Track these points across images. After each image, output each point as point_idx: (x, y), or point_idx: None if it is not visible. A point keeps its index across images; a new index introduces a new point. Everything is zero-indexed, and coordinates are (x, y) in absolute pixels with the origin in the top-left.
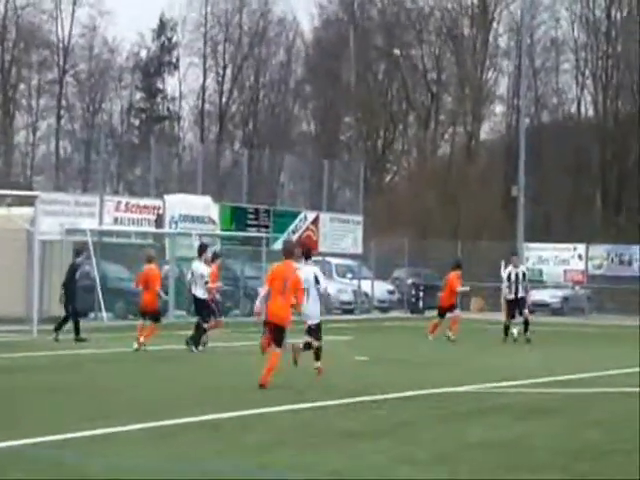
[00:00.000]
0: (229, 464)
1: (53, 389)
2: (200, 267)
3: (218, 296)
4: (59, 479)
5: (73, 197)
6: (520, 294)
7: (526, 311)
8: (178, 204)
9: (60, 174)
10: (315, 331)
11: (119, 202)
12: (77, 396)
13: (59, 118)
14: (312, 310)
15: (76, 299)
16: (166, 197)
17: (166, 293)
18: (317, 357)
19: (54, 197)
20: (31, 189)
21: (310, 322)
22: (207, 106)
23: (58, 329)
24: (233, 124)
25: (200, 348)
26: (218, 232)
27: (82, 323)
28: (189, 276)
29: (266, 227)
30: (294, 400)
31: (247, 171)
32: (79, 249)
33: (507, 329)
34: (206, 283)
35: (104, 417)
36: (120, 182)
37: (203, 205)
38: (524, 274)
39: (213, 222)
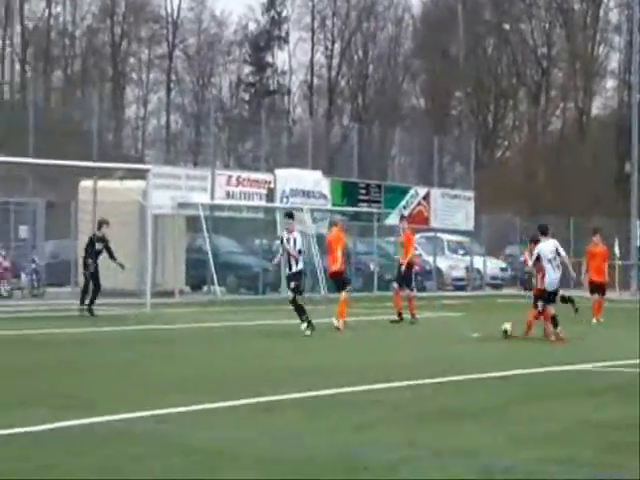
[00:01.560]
0: (331, 441)
1: (160, 362)
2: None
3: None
4: (164, 451)
5: (184, 171)
6: None
7: None
8: (289, 178)
9: (171, 148)
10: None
11: (230, 176)
12: (182, 369)
13: (169, 92)
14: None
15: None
16: (277, 171)
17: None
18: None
19: (166, 171)
20: (142, 162)
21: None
22: (316, 80)
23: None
24: (342, 98)
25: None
26: (329, 207)
27: (196, 296)
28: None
29: (377, 202)
30: (399, 378)
31: (357, 146)
32: (101, 221)
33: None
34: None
35: (215, 392)
36: (230, 156)
37: (314, 180)
38: None
39: (324, 197)
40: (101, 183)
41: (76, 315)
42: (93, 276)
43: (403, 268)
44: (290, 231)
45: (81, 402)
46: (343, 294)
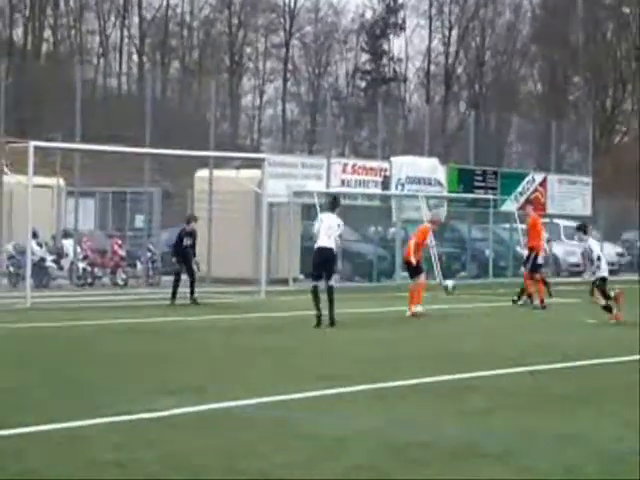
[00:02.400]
0: (456, 427)
1: (278, 350)
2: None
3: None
4: (289, 437)
5: (300, 159)
6: None
7: None
8: (405, 166)
9: (287, 137)
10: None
11: (346, 164)
12: (299, 357)
13: (285, 81)
14: None
15: (185, 261)
16: (393, 159)
17: (393, 255)
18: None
19: (281, 159)
20: (258, 151)
21: None
22: (433, 67)
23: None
24: (459, 85)
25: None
26: (445, 194)
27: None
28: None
29: (493, 189)
30: (514, 364)
31: (474, 132)
32: (190, 216)
33: None
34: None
35: (336, 378)
36: (346, 144)
37: (430, 167)
38: None
39: (440, 184)
40: (217, 172)
41: (190, 303)
42: (187, 269)
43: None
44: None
45: (202, 388)
46: (412, 282)
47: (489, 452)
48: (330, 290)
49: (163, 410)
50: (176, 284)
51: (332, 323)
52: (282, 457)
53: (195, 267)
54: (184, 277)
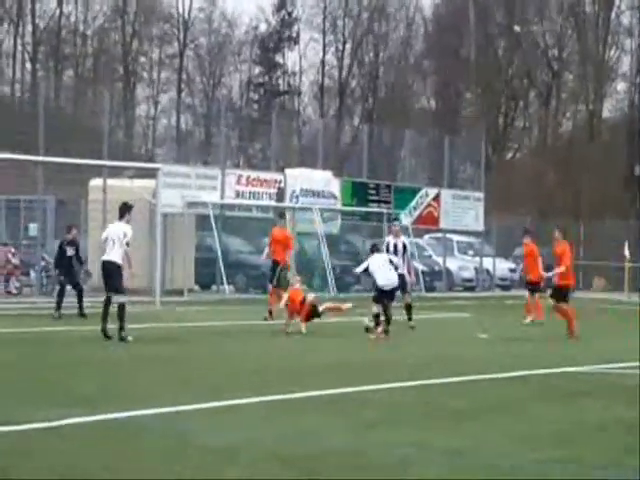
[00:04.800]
0: (346, 440)
1: (171, 360)
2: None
3: None
4: (178, 449)
5: (194, 170)
6: None
7: None
8: (299, 178)
9: (181, 147)
10: None
11: (240, 175)
12: (200, 368)
13: (180, 91)
14: None
15: (68, 273)
16: (287, 171)
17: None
18: None
19: (175, 170)
20: (152, 161)
21: None
22: (327, 81)
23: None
24: (353, 99)
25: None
26: (339, 207)
27: (205, 295)
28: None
29: (387, 203)
30: (406, 378)
31: (367, 146)
32: (69, 225)
33: None
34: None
35: (228, 390)
36: (240, 156)
37: (324, 180)
38: None
39: (334, 197)
40: (111, 181)
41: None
42: (70, 281)
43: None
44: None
45: (88, 399)
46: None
47: (380, 464)
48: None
49: (52, 421)
50: (60, 295)
51: (120, 338)
52: (171, 468)
53: (84, 276)
54: (69, 287)
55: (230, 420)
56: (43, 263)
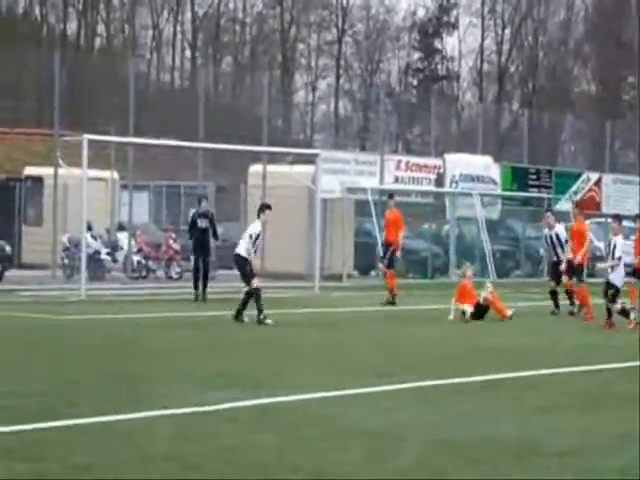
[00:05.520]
0: (512, 425)
1: (332, 345)
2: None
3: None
4: (344, 434)
5: (353, 156)
6: None
7: None
8: (459, 163)
9: (339, 133)
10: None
11: (399, 161)
12: (359, 353)
13: (338, 78)
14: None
15: (200, 247)
16: (446, 156)
17: (447, 252)
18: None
19: (335, 155)
20: (311, 147)
21: None
22: (486, 66)
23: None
24: (512, 84)
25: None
26: (499, 192)
27: (364, 280)
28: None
29: (548, 188)
30: (576, 362)
31: (527, 131)
32: (200, 196)
33: None
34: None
35: (388, 374)
36: (399, 141)
37: (484, 165)
38: None
39: (494, 182)
40: (270, 168)
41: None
42: (203, 256)
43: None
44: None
45: (252, 382)
46: None
47: (548, 451)
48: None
49: (217, 404)
50: (196, 274)
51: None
52: (338, 454)
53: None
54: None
55: (392, 405)
56: None
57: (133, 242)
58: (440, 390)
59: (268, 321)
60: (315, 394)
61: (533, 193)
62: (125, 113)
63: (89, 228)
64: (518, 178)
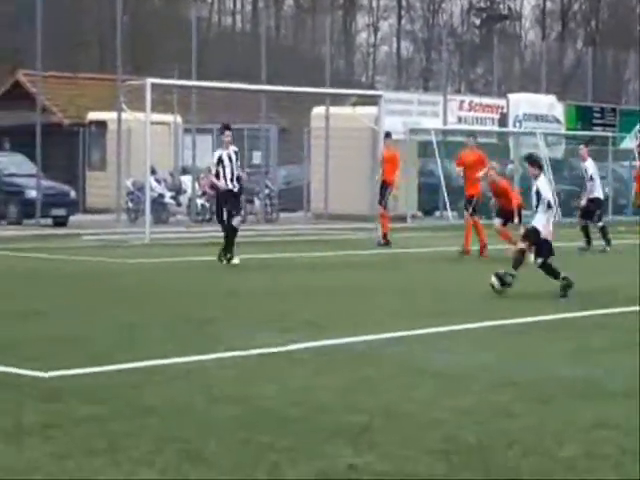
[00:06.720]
0: (572, 365)
1: (393, 286)
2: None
3: None
4: (412, 375)
5: (416, 96)
6: None
7: None
8: (522, 103)
9: (402, 74)
10: None
11: (462, 101)
12: (415, 293)
13: (400, 18)
14: None
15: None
16: (510, 96)
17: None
18: None
19: (397, 96)
20: (373, 89)
21: None
22: (549, 4)
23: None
24: (575, 22)
25: None
26: (563, 131)
27: (428, 221)
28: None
29: (612, 126)
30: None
31: (591, 70)
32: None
33: None
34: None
35: (451, 315)
36: (462, 81)
37: (548, 104)
38: None
39: (558, 121)
40: (333, 110)
41: (307, 240)
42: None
43: None
44: None
45: (314, 324)
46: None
47: (613, 390)
48: None
49: (280, 346)
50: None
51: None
52: (405, 393)
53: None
54: None
55: (457, 345)
56: (267, 191)
57: (197, 185)
58: (504, 330)
59: (235, 261)
60: (377, 335)
61: (597, 132)
62: (187, 57)
63: (153, 172)
64: (582, 117)
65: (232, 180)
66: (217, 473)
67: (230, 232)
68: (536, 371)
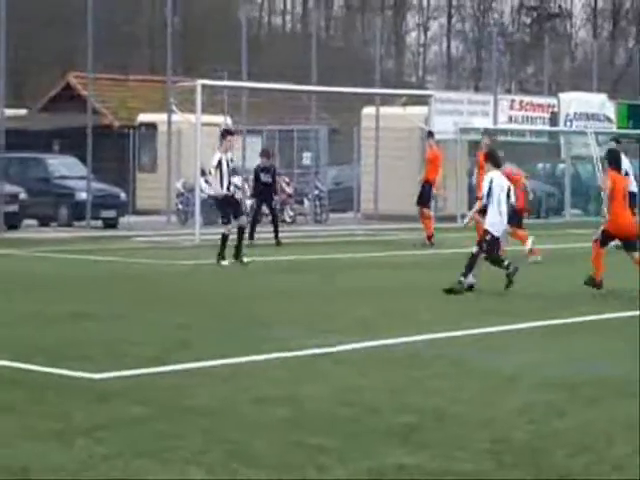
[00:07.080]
0: (620, 365)
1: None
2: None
3: None
4: (458, 375)
5: (466, 96)
6: None
7: None
8: (573, 102)
9: (452, 73)
10: None
11: (513, 100)
12: (466, 294)
13: (450, 18)
14: None
15: (265, 200)
16: (561, 95)
17: (562, 192)
18: None
19: (447, 96)
20: (423, 88)
21: None
22: (600, 3)
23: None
24: (627, 20)
25: None
26: (614, 130)
27: None
28: None
29: None
30: None
31: None
32: (263, 151)
33: None
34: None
35: (499, 314)
36: (512, 81)
37: (599, 103)
38: None
39: (609, 120)
40: (383, 109)
41: (357, 240)
42: (268, 208)
43: None
44: None
45: (361, 324)
46: None
47: None
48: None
49: (330, 346)
50: (254, 224)
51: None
52: (454, 393)
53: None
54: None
55: (508, 345)
56: (316, 192)
57: (247, 186)
58: (551, 330)
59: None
60: (425, 335)
61: None
62: (238, 58)
63: (203, 173)
64: (634, 115)
65: (228, 186)
66: (266, 473)
67: (238, 233)
68: (585, 371)
